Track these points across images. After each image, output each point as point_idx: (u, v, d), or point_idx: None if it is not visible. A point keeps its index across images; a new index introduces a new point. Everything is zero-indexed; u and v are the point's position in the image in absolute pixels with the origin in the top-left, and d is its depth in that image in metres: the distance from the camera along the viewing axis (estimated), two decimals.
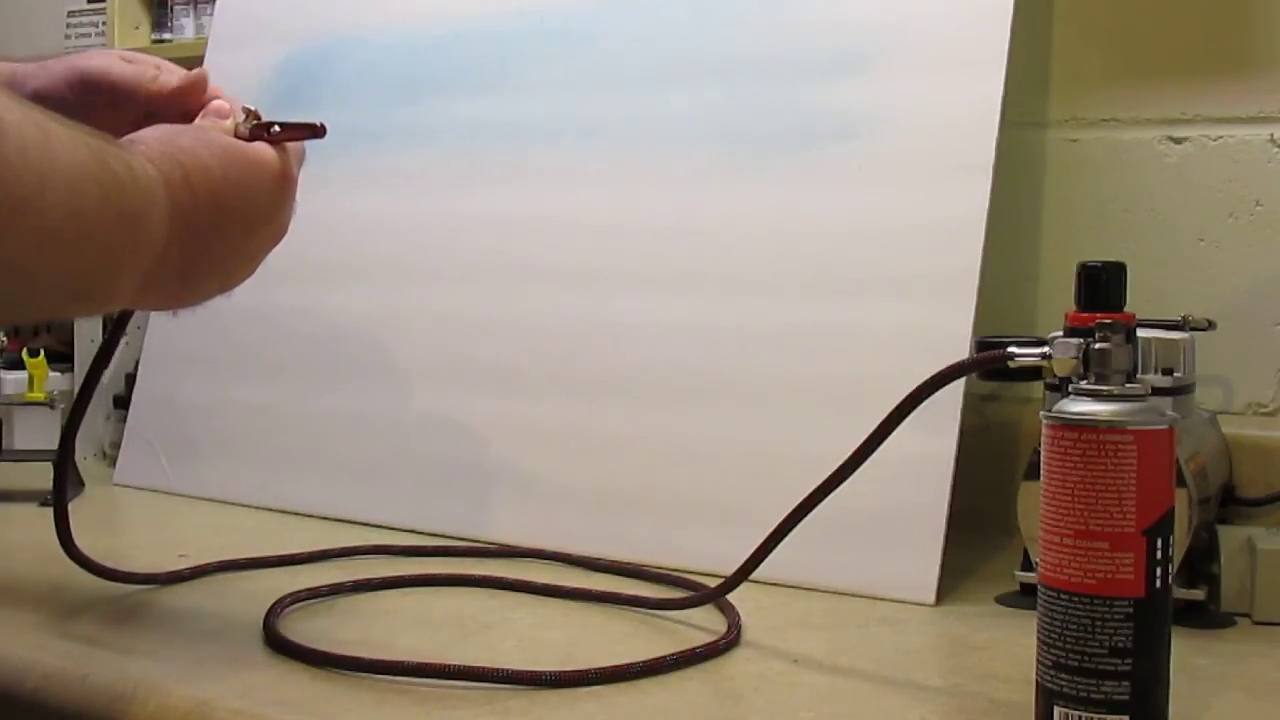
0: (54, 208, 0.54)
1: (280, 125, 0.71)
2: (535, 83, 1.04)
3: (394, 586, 0.83)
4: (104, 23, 1.51)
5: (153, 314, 1.21)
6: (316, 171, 1.12)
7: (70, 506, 1.06)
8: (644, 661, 0.65)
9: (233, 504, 1.06)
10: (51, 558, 0.91)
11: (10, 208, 0.51)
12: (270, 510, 1.05)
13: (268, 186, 0.68)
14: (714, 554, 0.82)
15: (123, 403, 1.25)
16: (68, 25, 1.60)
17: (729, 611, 0.74)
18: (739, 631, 0.72)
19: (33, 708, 0.65)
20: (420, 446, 1.01)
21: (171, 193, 0.62)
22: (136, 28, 1.47)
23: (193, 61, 1.27)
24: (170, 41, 1.45)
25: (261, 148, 0.69)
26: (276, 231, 0.70)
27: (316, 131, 0.71)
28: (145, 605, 0.80)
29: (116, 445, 1.21)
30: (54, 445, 1.23)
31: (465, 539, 0.94)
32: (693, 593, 0.79)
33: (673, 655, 0.66)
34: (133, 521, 1.08)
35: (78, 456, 1.23)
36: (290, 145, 0.71)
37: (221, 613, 0.76)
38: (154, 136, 0.65)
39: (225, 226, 0.66)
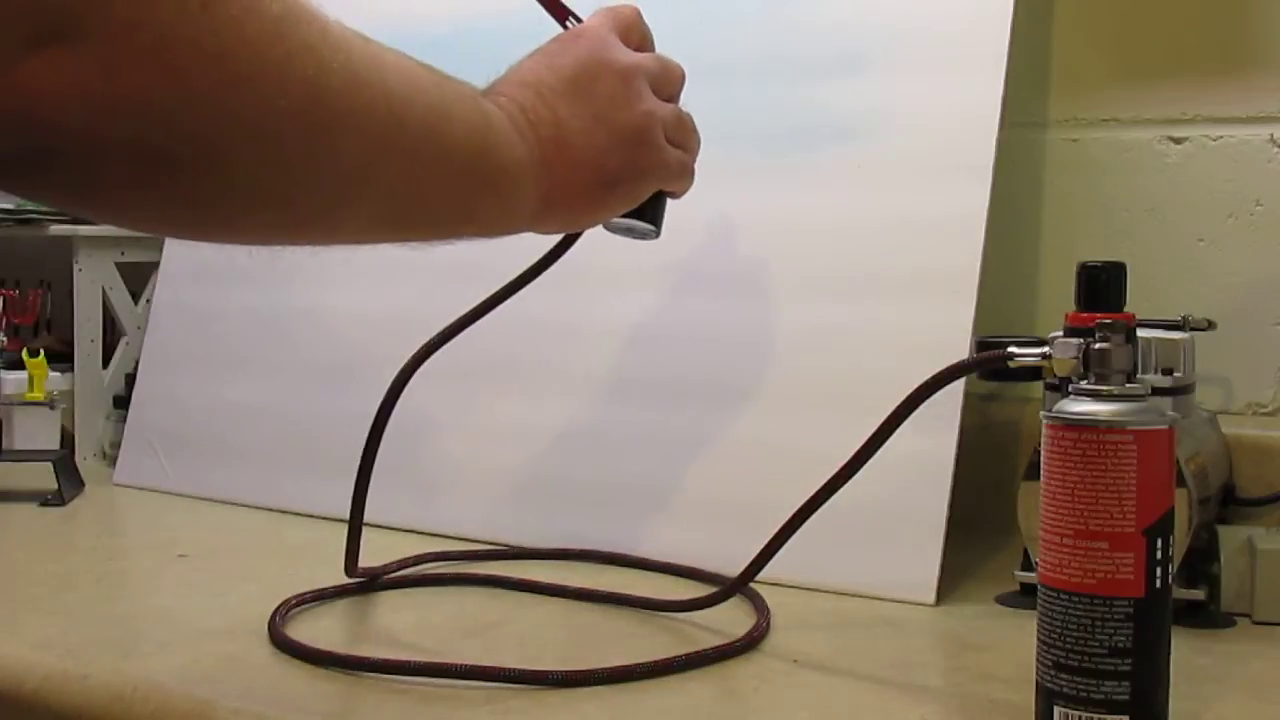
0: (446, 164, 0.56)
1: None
2: None
3: (395, 587, 0.83)
4: None
5: (152, 314, 1.21)
6: None
7: (70, 506, 1.07)
8: (651, 662, 0.65)
9: (233, 504, 1.06)
10: (51, 557, 0.92)
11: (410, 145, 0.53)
12: (270, 510, 1.05)
13: (585, 60, 0.68)
14: (714, 554, 0.83)
15: (123, 403, 1.25)
16: None
17: (760, 609, 0.75)
18: (765, 630, 0.72)
19: (33, 708, 0.65)
20: (420, 446, 1.01)
21: (544, 157, 0.63)
22: None
23: None
24: None
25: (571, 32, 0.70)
26: (629, 111, 0.68)
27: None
28: (146, 605, 0.80)
29: (116, 445, 1.21)
30: (54, 445, 1.23)
31: (465, 539, 0.94)
32: (698, 585, 0.79)
33: (682, 656, 0.66)
34: (133, 521, 1.08)
35: (78, 457, 1.23)
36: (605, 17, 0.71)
37: (222, 612, 0.76)
38: (524, 76, 0.66)
39: (586, 138, 0.66)
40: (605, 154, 0.67)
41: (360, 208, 0.55)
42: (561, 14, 0.74)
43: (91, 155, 0.45)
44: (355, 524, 0.78)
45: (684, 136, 0.73)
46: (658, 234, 0.76)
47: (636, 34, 0.72)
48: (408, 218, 0.59)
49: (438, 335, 0.76)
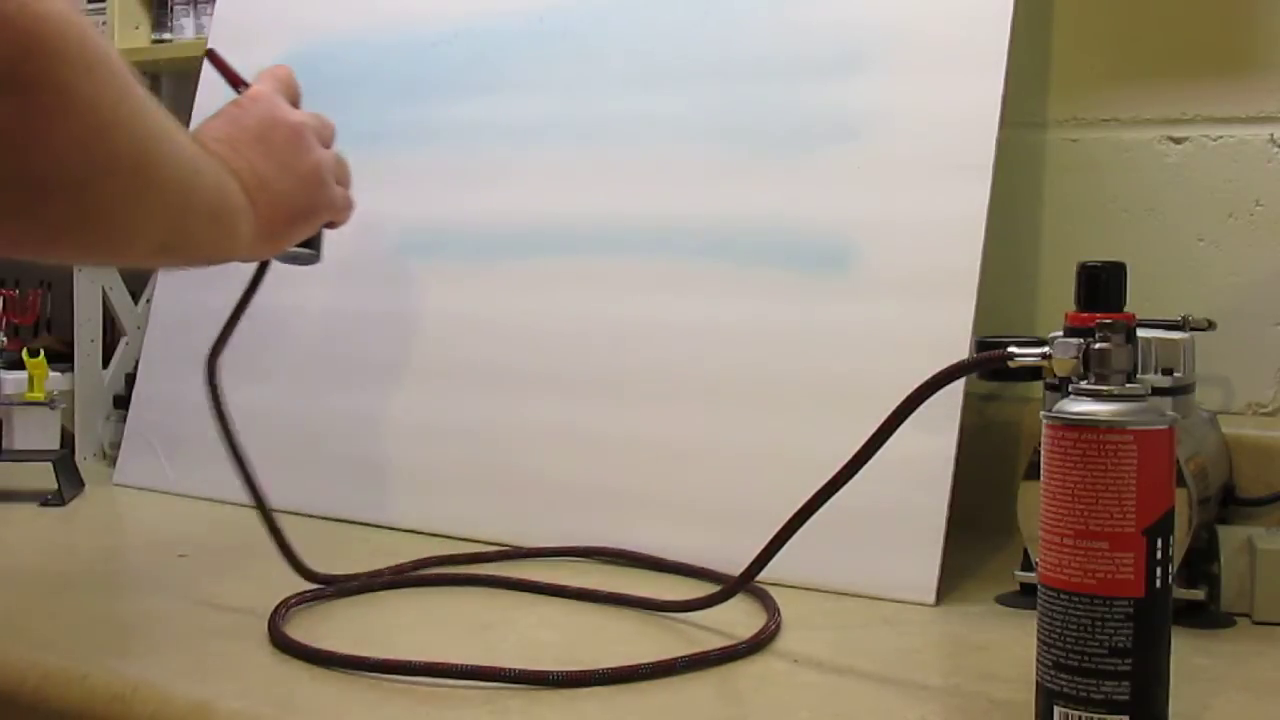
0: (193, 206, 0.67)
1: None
2: (534, 83, 1.04)
3: (395, 587, 0.83)
4: (104, 23, 1.50)
5: (152, 314, 1.21)
6: None
7: (70, 506, 1.07)
8: (654, 662, 0.65)
9: (233, 504, 1.06)
10: (51, 557, 0.92)
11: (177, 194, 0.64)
12: (270, 510, 1.04)
13: (264, 119, 0.80)
14: (714, 554, 0.83)
15: (123, 403, 1.25)
16: None
17: (770, 609, 0.75)
18: (774, 631, 0.72)
19: (33, 708, 0.65)
20: (420, 446, 1.01)
21: (251, 201, 0.75)
22: (136, 28, 1.46)
23: (193, 62, 1.28)
24: (170, 41, 1.45)
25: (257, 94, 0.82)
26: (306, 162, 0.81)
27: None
28: (146, 605, 0.80)
29: (116, 445, 1.21)
30: (54, 445, 1.23)
31: (466, 539, 0.94)
32: (698, 585, 0.80)
33: (685, 657, 0.66)
34: (133, 521, 1.08)
35: (78, 457, 1.23)
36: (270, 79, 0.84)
37: (222, 612, 0.76)
38: (217, 134, 0.77)
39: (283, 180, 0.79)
40: (292, 195, 0.79)
41: (150, 235, 0.67)
42: (237, 81, 0.87)
43: None
44: (275, 532, 0.81)
45: (345, 176, 0.86)
46: (319, 260, 0.89)
47: (294, 91, 0.85)
48: (176, 249, 0.71)
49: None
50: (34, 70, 0.53)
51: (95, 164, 0.58)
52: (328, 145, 0.84)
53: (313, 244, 0.87)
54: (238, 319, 0.86)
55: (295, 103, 0.84)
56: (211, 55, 0.90)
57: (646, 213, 0.96)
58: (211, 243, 0.72)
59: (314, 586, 0.80)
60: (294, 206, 0.79)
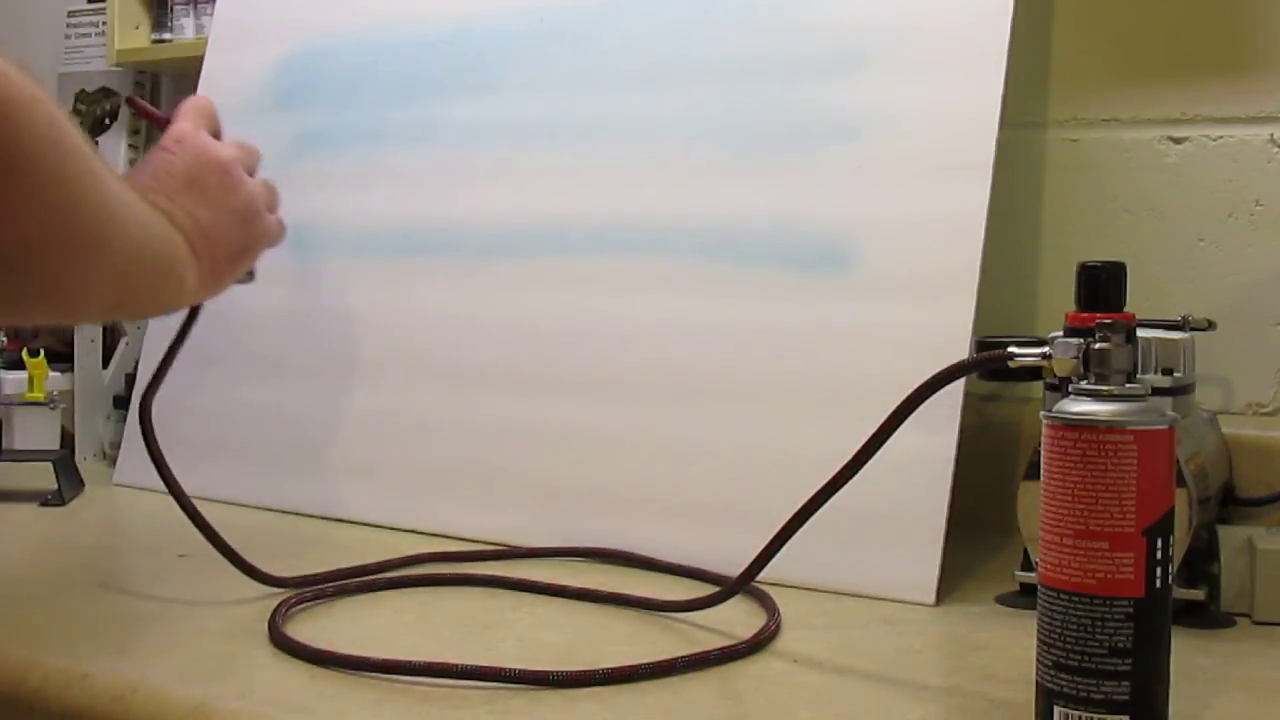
0: (120, 254, 0.66)
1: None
2: (534, 83, 1.04)
3: (396, 587, 0.83)
4: (104, 23, 1.50)
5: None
6: (316, 171, 1.13)
7: (70, 506, 1.07)
8: (654, 662, 0.65)
9: (233, 504, 1.06)
10: (51, 557, 0.92)
11: (92, 242, 0.62)
12: (270, 510, 1.05)
13: (192, 163, 0.80)
14: (715, 554, 0.83)
15: (123, 403, 1.25)
16: (68, 25, 1.60)
17: (769, 609, 0.75)
18: (774, 632, 0.72)
19: (33, 708, 0.65)
20: (420, 446, 1.01)
21: (193, 249, 0.75)
22: (136, 27, 1.46)
23: (193, 61, 1.28)
24: (170, 41, 1.45)
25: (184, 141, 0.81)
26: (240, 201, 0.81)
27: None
28: (146, 605, 0.80)
29: (116, 445, 1.21)
30: (54, 445, 1.23)
31: (466, 539, 0.94)
32: (698, 585, 0.80)
33: (685, 657, 0.66)
34: (133, 521, 1.08)
35: (78, 457, 1.23)
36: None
37: (222, 612, 0.76)
38: (153, 184, 0.76)
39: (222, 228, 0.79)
40: (230, 235, 0.79)
41: (106, 295, 0.68)
42: (161, 121, 0.87)
43: None
44: (215, 539, 0.82)
45: (274, 201, 0.86)
46: (254, 279, 0.88)
47: (215, 123, 0.85)
48: (128, 305, 0.73)
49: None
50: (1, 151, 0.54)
51: (55, 239, 0.59)
52: (254, 173, 0.85)
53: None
54: (170, 362, 0.87)
55: (217, 134, 0.84)
56: (131, 101, 0.94)
57: (646, 213, 0.96)
58: (159, 297, 0.74)
59: (314, 588, 0.80)
60: (233, 246, 0.79)
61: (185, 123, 0.82)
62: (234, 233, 0.79)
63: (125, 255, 0.66)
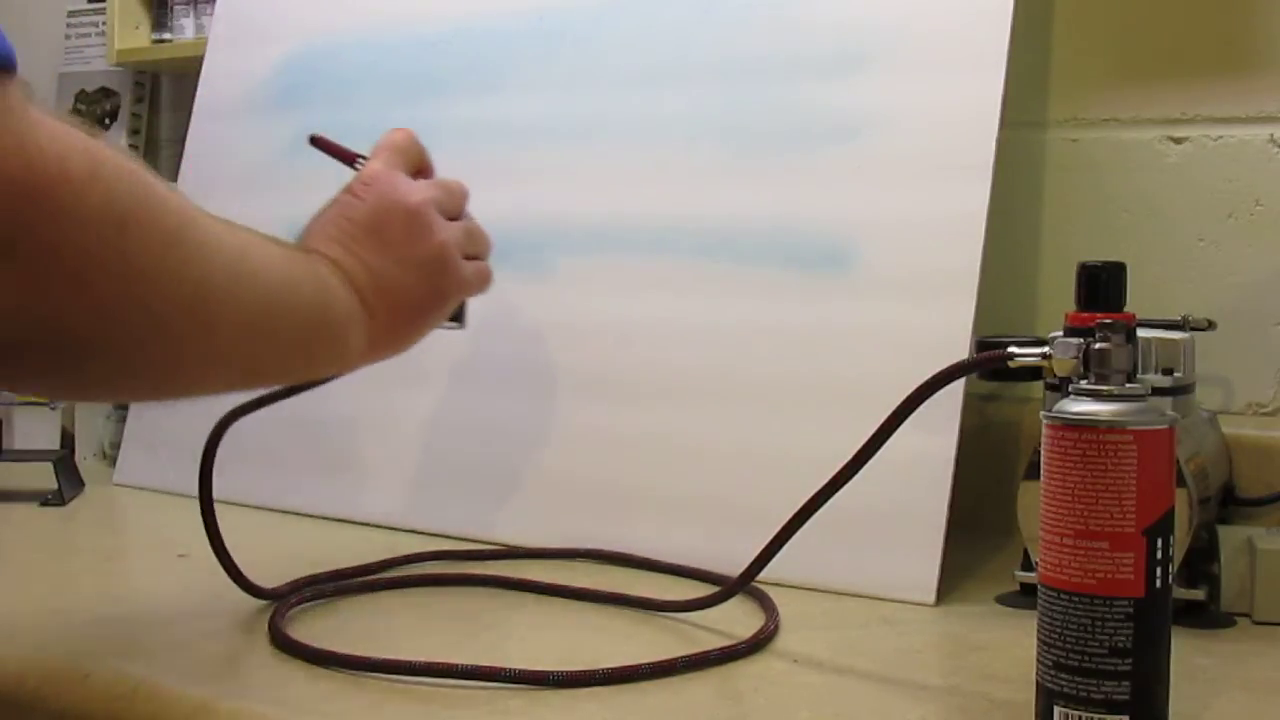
0: (256, 310, 0.62)
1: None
2: (534, 82, 1.04)
3: (397, 587, 0.83)
4: (104, 23, 1.50)
5: None
6: (316, 171, 1.13)
7: (70, 506, 1.07)
8: (654, 662, 0.65)
9: (233, 504, 1.06)
10: (51, 557, 0.92)
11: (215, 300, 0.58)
12: (270, 510, 1.05)
13: (377, 208, 0.74)
14: (715, 554, 0.83)
15: (123, 403, 1.25)
16: (68, 25, 1.60)
17: (768, 609, 0.75)
18: (773, 632, 0.72)
19: (33, 708, 0.65)
20: (421, 446, 1.01)
21: (365, 305, 0.70)
22: (137, 27, 1.47)
23: (193, 61, 1.28)
24: (170, 41, 1.45)
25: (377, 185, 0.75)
26: (431, 251, 0.75)
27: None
28: (146, 605, 0.80)
29: (116, 445, 1.21)
30: (54, 445, 1.23)
31: (466, 539, 0.94)
32: (698, 585, 0.80)
33: (685, 657, 0.66)
34: (133, 521, 1.08)
35: (78, 457, 1.23)
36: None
37: (223, 612, 0.76)
38: (328, 231, 0.72)
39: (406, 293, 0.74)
40: (413, 289, 0.74)
41: (225, 372, 0.64)
42: (350, 159, 0.81)
43: (11, 350, 0.53)
44: (220, 550, 0.78)
45: (476, 247, 0.80)
46: (463, 328, 0.84)
47: (415, 158, 0.79)
48: (261, 375, 0.68)
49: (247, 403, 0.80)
50: (39, 237, 0.49)
51: (131, 326, 0.54)
52: (456, 215, 0.78)
53: (458, 313, 0.82)
54: (278, 398, 0.79)
55: (419, 170, 0.79)
56: (316, 140, 0.84)
57: (646, 212, 0.96)
58: (310, 362, 0.68)
59: (314, 588, 0.80)
60: (416, 300, 0.74)
61: (377, 161, 0.77)
62: (418, 285, 0.74)
63: (248, 325, 0.61)
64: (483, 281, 0.80)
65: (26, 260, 0.49)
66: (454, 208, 0.78)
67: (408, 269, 0.73)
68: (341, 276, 0.70)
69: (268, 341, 0.64)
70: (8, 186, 0.48)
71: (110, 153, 0.53)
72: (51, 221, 0.49)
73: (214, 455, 0.79)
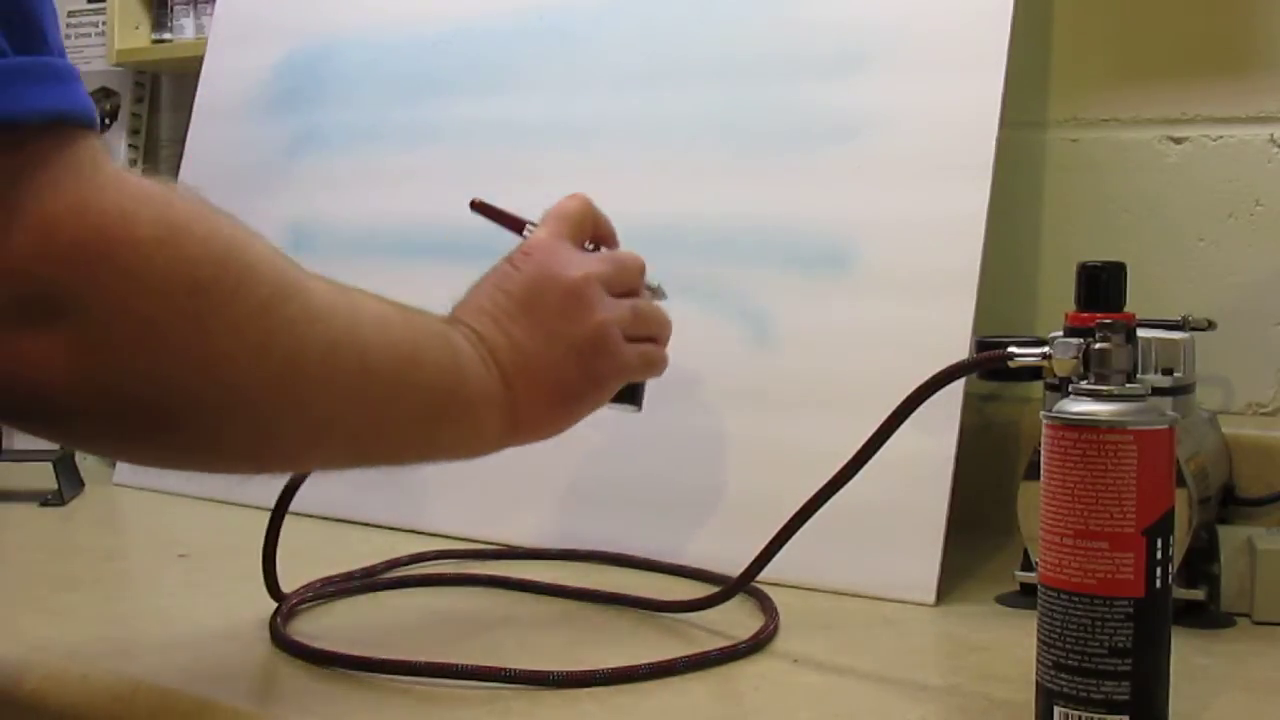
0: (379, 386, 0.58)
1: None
2: (535, 82, 1.04)
3: (397, 587, 0.83)
4: (104, 23, 1.50)
5: None
6: (316, 171, 1.13)
7: (70, 506, 1.07)
8: (654, 663, 0.65)
9: (233, 504, 1.06)
10: (51, 557, 0.92)
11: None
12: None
13: (534, 280, 0.70)
14: (715, 554, 0.83)
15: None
16: (68, 25, 1.60)
17: (768, 610, 0.75)
18: (773, 632, 0.72)
19: (33, 708, 0.65)
20: None
21: (507, 384, 0.66)
22: (137, 28, 1.47)
23: (193, 61, 1.28)
24: (170, 41, 1.45)
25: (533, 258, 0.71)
26: (589, 332, 0.70)
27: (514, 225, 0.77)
28: (147, 604, 0.80)
29: None
30: (54, 445, 1.23)
31: (466, 539, 0.94)
32: (699, 585, 0.80)
33: (685, 657, 0.66)
34: (133, 521, 1.08)
35: (78, 456, 1.23)
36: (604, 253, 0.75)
37: (223, 612, 0.76)
38: (480, 303, 0.69)
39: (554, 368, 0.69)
40: (563, 370, 0.68)
41: (326, 449, 0.60)
42: (517, 225, 0.77)
43: (74, 415, 0.50)
44: (270, 550, 0.76)
45: (646, 329, 0.74)
46: (639, 410, 0.79)
47: (588, 227, 0.74)
48: (372, 453, 0.62)
49: None
50: (99, 300, 0.46)
51: (205, 398, 0.51)
52: (630, 292, 0.73)
53: (625, 397, 0.76)
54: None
55: (589, 239, 0.75)
56: (478, 205, 0.79)
57: (647, 212, 0.95)
58: (434, 441, 0.64)
59: (315, 589, 0.80)
60: (565, 384, 0.69)
61: (544, 230, 0.72)
62: (569, 367, 0.69)
63: (345, 401, 0.57)
64: (650, 366, 0.75)
65: (83, 325, 0.47)
66: (624, 284, 0.73)
67: (559, 349, 0.68)
68: (483, 351, 0.66)
69: (379, 419, 0.60)
70: (65, 250, 0.46)
71: (197, 215, 0.50)
72: (114, 285, 0.47)
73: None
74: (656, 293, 0.78)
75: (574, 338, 0.69)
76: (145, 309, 0.48)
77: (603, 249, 0.76)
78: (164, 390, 0.50)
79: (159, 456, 0.57)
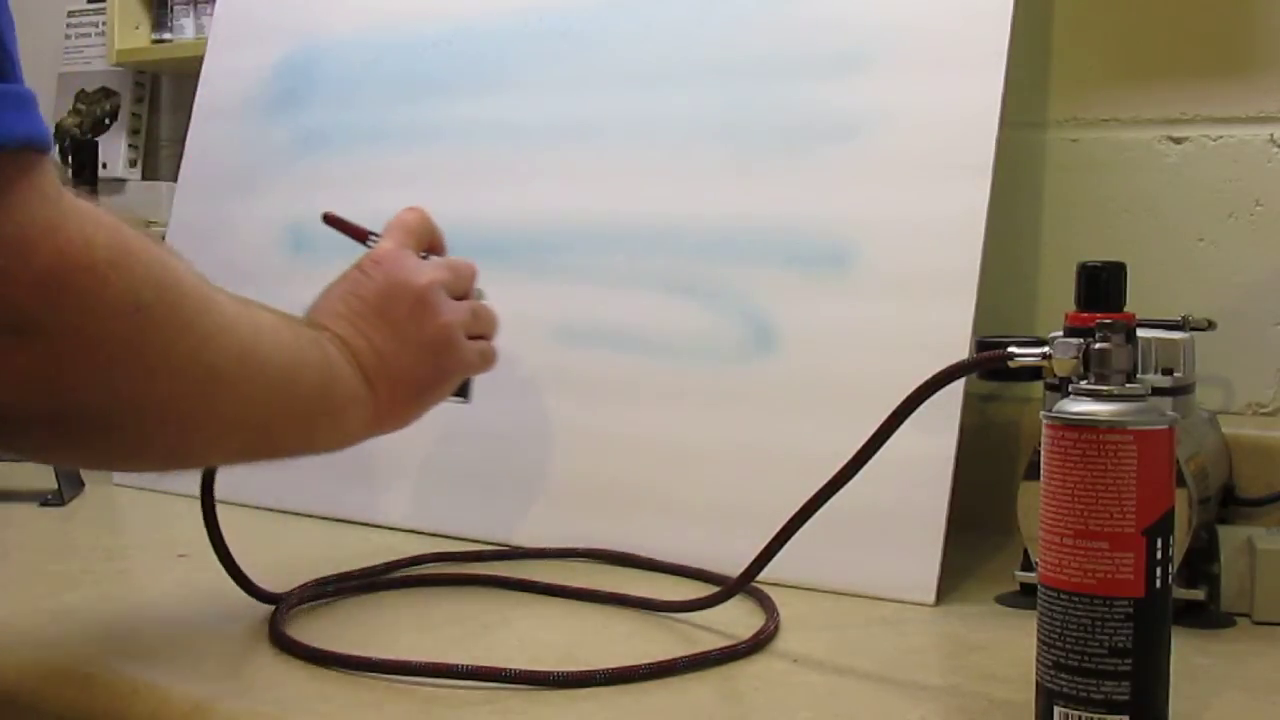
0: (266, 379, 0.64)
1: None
2: (535, 82, 1.04)
3: (397, 587, 0.83)
4: (104, 23, 1.51)
5: None
6: (316, 171, 1.13)
7: (70, 506, 1.07)
8: (654, 663, 0.65)
9: (233, 504, 1.06)
10: (51, 557, 0.92)
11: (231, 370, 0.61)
12: (270, 510, 1.05)
13: (384, 287, 0.76)
14: (715, 554, 0.83)
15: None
16: (68, 25, 1.61)
17: (768, 610, 0.75)
18: (773, 632, 0.72)
19: (33, 708, 0.65)
20: (421, 446, 1.00)
21: (369, 384, 0.72)
22: (137, 28, 1.47)
23: (193, 61, 1.28)
24: (170, 41, 1.45)
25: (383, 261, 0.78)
26: (438, 330, 0.77)
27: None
28: (146, 604, 0.80)
29: None
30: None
31: (466, 539, 0.94)
32: (699, 585, 0.80)
33: (686, 657, 0.66)
34: (133, 521, 1.08)
35: None
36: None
37: (223, 612, 0.76)
38: (337, 308, 0.75)
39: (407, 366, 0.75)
40: (416, 368, 0.75)
41: (227, 447, 0.66)
42: (361, 236, 0.84)
43: (24, 421, 0.55)
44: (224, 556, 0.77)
45: (481, 327, 0.81)
46: (468, 402, 0.85)
47: (426, 237, 0.81)
48: (263, 450, 0.69)
49: None
50: (62, 320, 0.51)
51: (142, 407, 0.57)
52: (463, 295, 0.80)
53: (463, 389, 0.83)
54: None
55: (430, 249, 0.81)
56: (329, 218, 0.87)
57: (646, 212, 0.96)
58: (310, 438, 0.70)
59: (315, 589, 0.80)
60: (418, 381, 0.76)
61: (388, 241, 0.79)
62: (421, 366, 0.76)
63: (256, 403, 0.63)
64: (486, 361, 0.82)
65: (49, 341, 0.51)
66: (461, 288, 0.80)
67: (412, 349, 0.75)
68: (348, 356, 0.72)
69: (271, 422, 0.66)
70: (39, 274, 0.50)
71: (136, 239, 0.55)
72: (74, 306, 0.51)
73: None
74: (480, 295, 0.84)
75: (424, 338, 0.76)
76: (96, 329, 0.52)
77: (433, 257, 0.82)
78: (107, 400, 0.55)
79: (87, 458, 0.64)
